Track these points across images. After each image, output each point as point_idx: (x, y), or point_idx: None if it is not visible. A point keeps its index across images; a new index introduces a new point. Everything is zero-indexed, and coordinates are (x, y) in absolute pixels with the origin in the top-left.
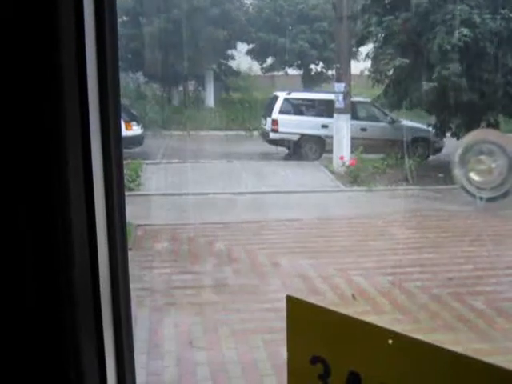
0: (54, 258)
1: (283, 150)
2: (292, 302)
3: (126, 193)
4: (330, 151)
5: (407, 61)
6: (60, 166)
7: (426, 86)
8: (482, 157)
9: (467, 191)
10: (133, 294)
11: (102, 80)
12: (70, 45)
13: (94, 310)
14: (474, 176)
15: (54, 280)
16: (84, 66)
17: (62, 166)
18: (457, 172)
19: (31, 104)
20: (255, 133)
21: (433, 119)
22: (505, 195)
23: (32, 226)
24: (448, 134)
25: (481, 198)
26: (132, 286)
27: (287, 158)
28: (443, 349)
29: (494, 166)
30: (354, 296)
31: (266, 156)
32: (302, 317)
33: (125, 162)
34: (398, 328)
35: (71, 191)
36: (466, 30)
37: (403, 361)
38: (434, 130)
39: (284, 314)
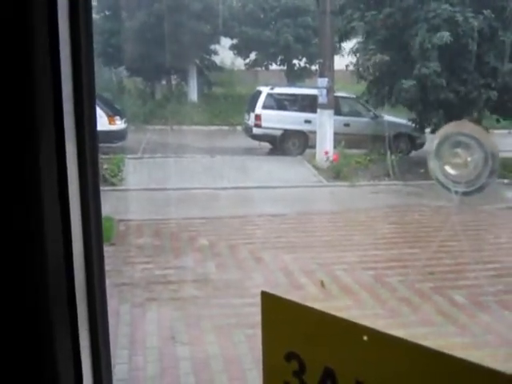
0: (27, 254)
1: (266, 145)
2: (267, 298)
3: (109, 188)
4: (314, 146)
5: (388, 58)
6: (33, 161)
7: (405, 83)
8: (458, 150)
9: (442, 184)
10: (115, 290)
11: (77, 75)
12: (43, 41)
13: (69, 308)
14: (449, 169)
15: (28, 277)
16: (58, 61)
17: (36, 161)
18: (432, 165)
19: (4, 101)
20: (238, 128)
21: (414, 115)
22: (480, 189)
23: (5, 221)
24: (428, 130)
25: (456, 192)
26: (115, 281)
27: (270, 152)
28: (418, 345)
29: (469, 159)
30: (322, 283)
31: (249, 151)
32: (277, 313)
33: (107, 156)
34: (379, 322)
35: (45, 186)
36: (446, 34)
37: (378, 357)
38: (414, 125)
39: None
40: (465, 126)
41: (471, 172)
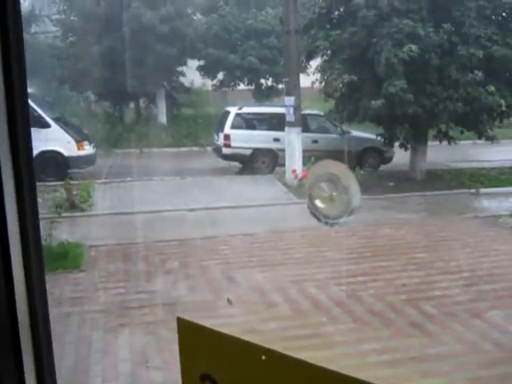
0: None
1: (236, 165)
2: (182, 323)
3: (79, 213)
4: (283, 164)
5: (355, 77)
6: None
7: (374, 104)
8: (324, 185)
9: (315, 216)
10: (86, 316)
11: (10, 98)
12: None
13: (12, 340)
14: (318, 203)
15: None
16: None
17: None
18: (308, 199)
19: None
20: (208, 148)
21: (381, 130)
22: (349, 214)
23: None
24: (396, 144)
25: (326, 222)
26: (86, 308)
27: (240, 172)
28: (312, 364)
29: (335, 193)
30: (229, 300)
31: (219, 171)
32: (192, 337)
33: (76, 182)
34: (353, 336)
35: None
36: (413, 47)
37: (276, 376)
38: (382, 140)
39: (240, 328)
40: (330, 165)
41: (338, 204)
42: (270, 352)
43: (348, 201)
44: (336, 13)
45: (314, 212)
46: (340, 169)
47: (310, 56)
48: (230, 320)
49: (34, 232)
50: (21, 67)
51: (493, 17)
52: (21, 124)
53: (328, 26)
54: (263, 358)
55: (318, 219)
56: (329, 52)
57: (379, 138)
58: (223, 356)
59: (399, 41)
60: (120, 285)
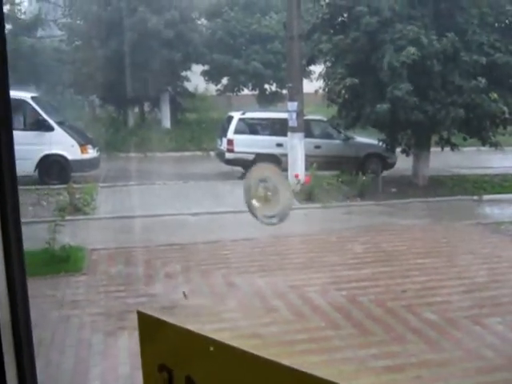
0: None
1: (239, 170)
2: (142, 317)
3: (81, 217)
4: (286, 169)
5: (357, 81)
6: None
7: (379, 108)
8: (259, 186)
9: (253, 214)
10: (87, 319)
11: None
12: None
13: None
14: (255, 202)
15: None
16: None
17: None
18: (246, 199)
19: None
20: (212, 153)
21: (384, 136)
22: (283, 218)
23: None
24: (398, 150)
25: (262, 220)
26: (87, 311)
27: (243, 177)
28: (260, 357)
29: (269, 193)
30: (184, 294)
31: (222, 176)
32: (151, 330)
33: (79, 185)
34: (351, 342)
35: None
36: (413, 49)
37: (223, 365)
38: (384, 145)
39: (238, 333)
40: (266, 169)
41: (272, 204)
42: (216, 343)
43: (278, 200)
44: (339, 19)
45: (252, 211)
46: (273, 171)
47: (312, 60)
48: (231, 324)
49: (16, 235)
50: (3, 69)
51: (496, 24)
52: (4, 127)
53: (331, 32)
54: (211, 349)
55: (256, 217)
56: (332, 57)
57: (380, 143)
58: (178, 348)
59: (402, 47)
60: (121, 288)
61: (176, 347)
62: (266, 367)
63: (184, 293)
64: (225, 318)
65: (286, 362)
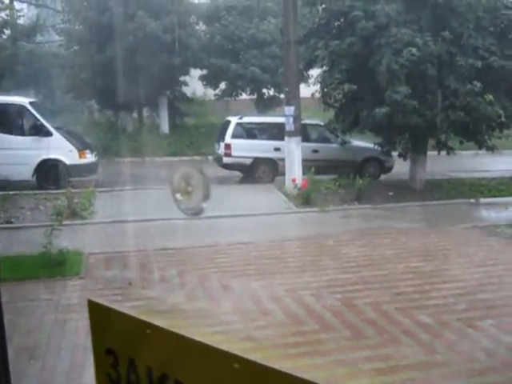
0: None
1: (237, 174)
2: (93, 305)
3: (79, 221)
4: (284, 173)
5: (355, 87)
6: None
7: (378, 112)
8: (181, 181)
9: (178, 207)
10: (83, 323)
11: None
12: None
13: None
14: (178, 196)
15: None
16: None
17: None
18: (172, 193)
19: None
20: (210, 158)
21: (381, 140)
22: (199, 212)
23: None
24: (395, 154)
25: (185, 212)
26: (83, 315)
27: (241, 181)
28: (190, 339)
29: (189, 188)
30: (130, 283)
31: (220, 180)
32: (100, 317)
33: (77, 190)
34: (344, 344)
35: None
36: (414, 49)
37: (158, 347)
38: (382, 149)
39: (234, 336)
40: (188, 167)
41: (193, 197)
42: (153, 327)
43: (198, 195)
44: (335, 23)
45: (177, 204)
46: (195, 170)
47: (309, 65)
48: (226, 327)
49: None
50: None
51: (491, 28)
52: None
53: (328, 37)
54: (148, 331)
55: (181, 209)
56: (328, 62)
57: (376, 147)
58: (122, 332)
59: (398, 50)
60: (118, 292)
61: (120, 332)
62: (195, 349)
63: (130, 283)
64: (219, 321)
65: (277, 365)
